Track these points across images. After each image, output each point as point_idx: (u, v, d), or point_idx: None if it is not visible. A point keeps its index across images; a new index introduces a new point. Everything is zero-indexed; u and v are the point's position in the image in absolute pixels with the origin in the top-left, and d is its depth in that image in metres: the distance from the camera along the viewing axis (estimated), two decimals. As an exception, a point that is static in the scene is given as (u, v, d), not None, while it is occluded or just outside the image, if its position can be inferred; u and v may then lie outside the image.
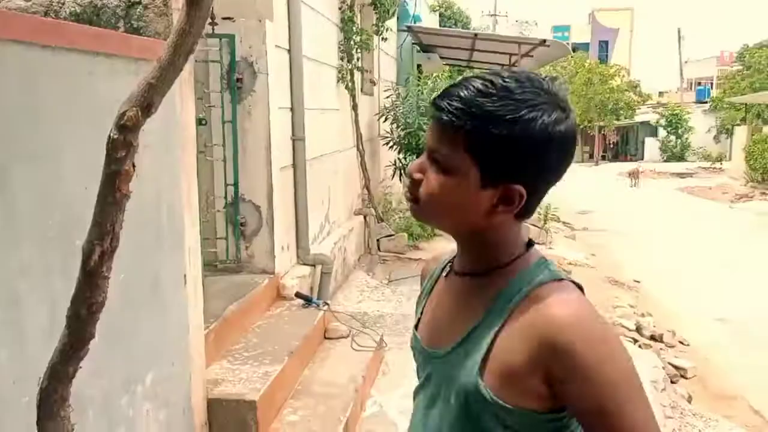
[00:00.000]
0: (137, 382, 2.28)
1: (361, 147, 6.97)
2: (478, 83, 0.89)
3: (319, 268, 4.77)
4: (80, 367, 1.30)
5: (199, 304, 2.80)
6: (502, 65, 14.14)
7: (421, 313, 1.13)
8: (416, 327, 1.13)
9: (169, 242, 2.49)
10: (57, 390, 1.27)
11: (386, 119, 7.99)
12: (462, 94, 0.89)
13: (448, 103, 0.90)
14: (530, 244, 1.01)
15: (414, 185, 0.96)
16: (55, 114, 1.79)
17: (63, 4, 2.50)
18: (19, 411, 1.57)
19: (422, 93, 7.79)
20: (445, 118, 0.90)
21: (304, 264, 4.70)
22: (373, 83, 7.89)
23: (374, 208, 7.36)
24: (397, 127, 7.94)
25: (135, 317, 2.24)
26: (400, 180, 8.13)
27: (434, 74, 8.63)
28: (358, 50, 6.45)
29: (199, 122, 3.62)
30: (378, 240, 7.19)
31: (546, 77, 0.93)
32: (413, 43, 11.45)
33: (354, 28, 6.25)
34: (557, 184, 0.97)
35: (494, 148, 0.89)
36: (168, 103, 2.46)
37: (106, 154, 1.09)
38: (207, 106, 4.03)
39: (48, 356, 1.21)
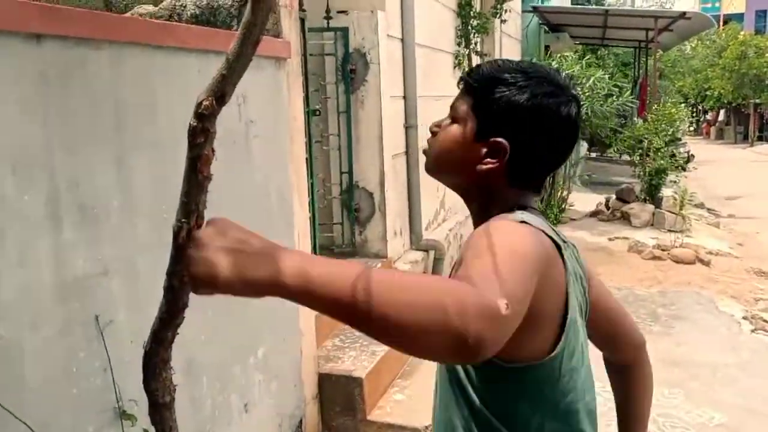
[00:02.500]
0: (250, 353, 2.48)
1: (480, 133, 6.91)
2: (500, 62, 1.06)
3: (431, 253, 4.83)
4: (178, 333, 1.46)
5: (308, 284, 2.96)
6: (639, 42, 13.30)
7: None
8: None
9: (279, 225, 2.67)
10: (158, 352, 1.44)
11: (507, 104, 7.85)
12: (484, 68, 1.06)
13: (471, 73, 1.07)
14: (522, 207, 1.04)
15: (431, 139, 1.10)
16: (169, 108, 1.99)
17: (185, 7, 2.74)
18: (137, 370, 1.78)
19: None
20: (465, 82, 1.06)
21: (417, 249, 4.78)
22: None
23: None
24: (521, 110, 7.77)
25: (246, 294, 2.43)
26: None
27: (558, 55, 8.30)
28: (476, 34, 6.38)
29: (313, 113, 3.80)
30: (498, 227, 7.10)
31: (563, 72, 1.09)
32: (540, 24, 11.10)
33: (471, 12, 6.20)
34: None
35: (490, 105, 1.02)
36: (276, 96, 2.64)
37: (188, 141, 1.22)
38: (323, 97, 4.22)
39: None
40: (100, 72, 1.71)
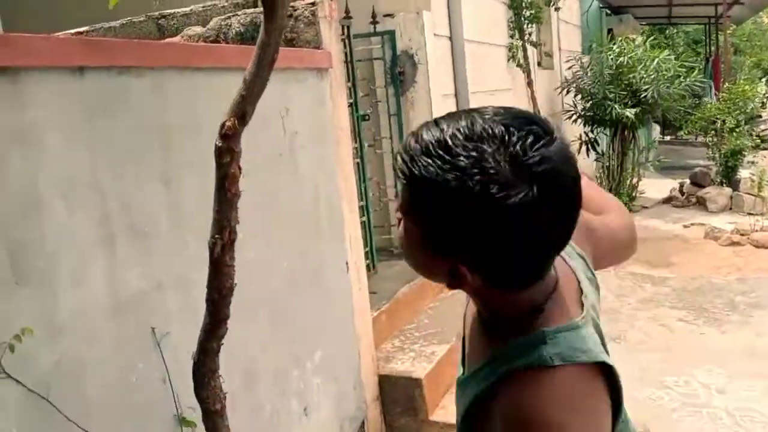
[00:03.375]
0: (306, 358, 2.54)
1: (540, 124, 6.77)
2: (429, 136, 0.76)
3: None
4: (222, 344, 1.52)
5: (363, 288, 3.01)
6: (709, 17, 12.63)
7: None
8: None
9: (329, 232, 2.72)
10: (205, 363, 1.51)
11: (568, 92, 7.65)
12: (412, 144, 0.77)
13: (400, 153, 0.79)
14: (536, 310, 0.84)
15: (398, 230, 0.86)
16: (213, 127, 2.06)
17: (230, 26, 2.84)
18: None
19: (607, 59, 7.31)
20: (396, 168, 0.80)
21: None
22: (548, 56, 7.60)
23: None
24: (582, 98, 7.56)
25: (300, 301, 2.49)
26: (587, 155, 7.74)
27: (620, 38, 8.00)
28: (530, 25, 6.26)
29: (363, 118, 3.85)
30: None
31: (521, 132, 0.74)
32: (601, 7, 10.75)
33: (523, 2, 6.08)
34: None
35: (428, 215, 0.76)
36: (320, 106, 2.69)
37: (215, 161, 1.28)
38: (374, 101, 4.26)
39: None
40: (144, 97, 1.80)
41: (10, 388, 1.38)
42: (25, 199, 1.46)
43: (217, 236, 1.32)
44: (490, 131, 0.73)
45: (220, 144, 1.22)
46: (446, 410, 3.14)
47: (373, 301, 3.26)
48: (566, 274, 0.91)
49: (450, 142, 0.73)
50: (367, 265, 3.78)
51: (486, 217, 0.71)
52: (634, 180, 7.93)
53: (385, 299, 3.56)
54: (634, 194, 7.87)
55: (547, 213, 0.73)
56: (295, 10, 2.69)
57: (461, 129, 0.75)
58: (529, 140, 0.72)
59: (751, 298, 4.75)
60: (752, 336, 4.04)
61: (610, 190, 7.57)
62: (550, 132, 0.75)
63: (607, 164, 7.74)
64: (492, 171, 0.71)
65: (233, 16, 2.83)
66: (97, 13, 3.79)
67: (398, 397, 3.12)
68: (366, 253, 3.78)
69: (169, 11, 3.25)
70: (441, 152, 0.73)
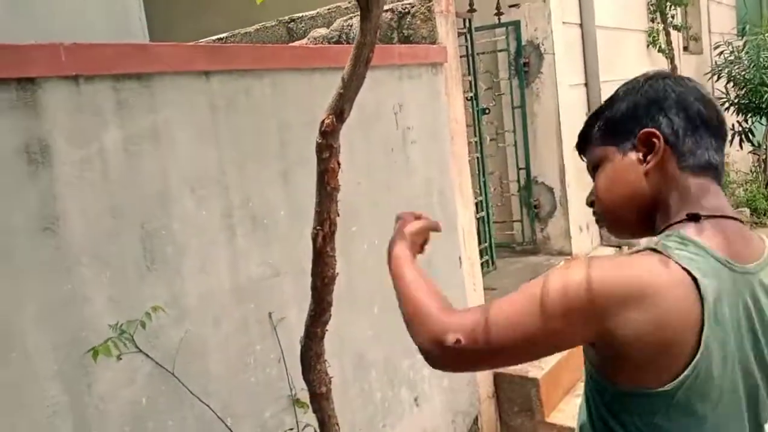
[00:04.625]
0: (416, 349, 2.57)
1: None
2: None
3: (625, 249, 4.52)
4: (327, 330, 1.59)
5: (477, 282, 2.99)
6: None
7: None
8: None
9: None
10: (311, 347, 1.59)
11: (719, 78, 7.01)
12: (587, 121, 1.09)
13: (581, 133, 1.10)
14: (693, 218, 0.93)
15: (594, 210, 1.09)
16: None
17: (351, 26, 2.94)
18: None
19: (764, 42, 6.61)
20: (582, 136, 1.09)
21: (608, 245, 4.51)
22: (695, 40, 7.02)
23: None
24: (734, 85, 6.90)
25: (412, 293, 2.53)
26: (740, 147, 7.06)
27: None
28: (673, 6, 5.82)
29: (483, 112, 3.80)
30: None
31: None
32: (761, -16, 9.73)
33: (665, -17, 5.67)
34: None
35: (614, 121, 1.02)
36: (434, 101, 2.72)
37: (316, 156, 1.34)
38: (497, 94, 4.20)
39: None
40: (264, 97, 1.93)
41: (140, 362, 1.55)
42: (157, 192, 1.62)
43: (318, 228, 1.39)
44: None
45: (320, 141, 1.29)
46: (564, 413, 3.05)
47: (491, 297, 3.23)
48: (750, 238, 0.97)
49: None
50: (486, 261, 3.75)
51: (653, 92, 0.99)
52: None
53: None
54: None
55: (689, 95, 0.99)
56: (412, 7, 2.72)
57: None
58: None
59: None
60: None
61: (766, 186, 6.86)
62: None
63: (764, 157, 7.02)
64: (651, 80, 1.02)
65: (354, 16, 2.93)
66: (235, 19, 4.09)
67: (514, 396, 3.07)
68: (485, 249, 3.74)
69: (297, 15, 3.43)
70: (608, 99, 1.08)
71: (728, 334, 0.89)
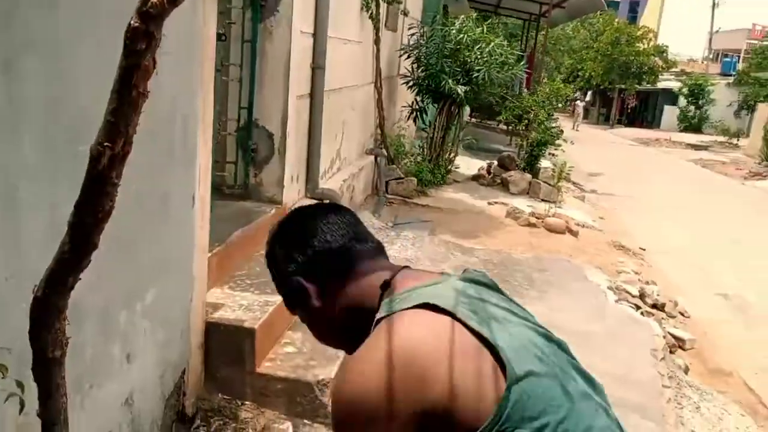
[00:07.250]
0: (137, 298, 2.22)
1: (379, 84, 6.76)
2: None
3: (326, 203, 4.68)
4: (80, 278, 1.22)
5: (206, 226, 2.72)
6: (531, 14, 13.70)
7: None
8: None
9: (181, 158, 2.38)
10: (53, 300, 1.20)
11: (408, 57, 7.75)
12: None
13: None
14: (384, 286, 1.06)
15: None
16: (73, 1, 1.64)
17: None
18: (15, 314, 1.50)
19: (448, 35, 7.51)
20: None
21: (312, 198, 4.61)
22: (406, 14, 7.60)
23: (386, 149, 7.21)
24: (418, 67, 7.70)
25: (141, 231, 2.16)
26: (415, 123, 7.96)
27: (463, 16, 8.29)
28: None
29: (219, 38, 3.45)
30: (387, 182, 7.08)
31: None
32: (441, -17, 11.04)
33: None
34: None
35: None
36: (189, 13, 2.32)
37: (124, 45, 0.97)
38: (227, 22, 3.84)
39: (45, 263, 1.12)
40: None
41: None
42: None
43: (106, 144, 1.02)
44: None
45: (137, 24, 0.93)
46: (274, 363, 3.01)
47: (206, 241, 2.97)
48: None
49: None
50: (202, 201, 3.45)
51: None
52: (452, 155, 8.37)
53: (217, 241, 3.28)
54: (449, 168, 8.31)
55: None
56: None
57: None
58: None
59: (546, 275, 5.29)
60: (547, 311, 4.49)
61: (430, 161, 7.89)
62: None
63: (431, 135, 8.05)
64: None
65: None
66: None
67: (226, 346, 2.90)
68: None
69: None
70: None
71: (501, 326, 0.99)
